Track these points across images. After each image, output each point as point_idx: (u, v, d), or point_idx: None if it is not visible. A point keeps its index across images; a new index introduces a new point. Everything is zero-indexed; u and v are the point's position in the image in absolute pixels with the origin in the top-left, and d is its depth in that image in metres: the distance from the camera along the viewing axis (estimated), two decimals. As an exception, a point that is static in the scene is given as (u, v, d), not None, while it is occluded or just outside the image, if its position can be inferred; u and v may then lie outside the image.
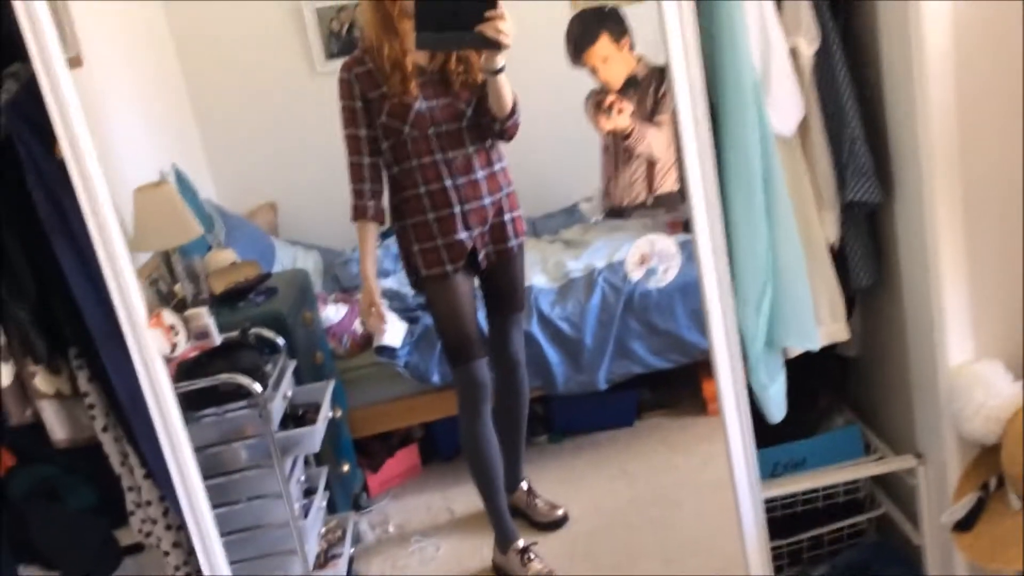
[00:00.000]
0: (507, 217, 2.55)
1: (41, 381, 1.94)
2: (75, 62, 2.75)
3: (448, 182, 2.43)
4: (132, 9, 3.60)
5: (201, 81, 3.97)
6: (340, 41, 4.02)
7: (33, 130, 1.78)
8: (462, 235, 2.48)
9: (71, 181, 1.76)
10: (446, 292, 2.54)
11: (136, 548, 2.19)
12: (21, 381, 1.94)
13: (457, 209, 2.46)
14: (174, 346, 1.87)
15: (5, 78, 1.92)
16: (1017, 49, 1.81)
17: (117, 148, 3.02)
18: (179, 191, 3.15)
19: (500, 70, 2.29)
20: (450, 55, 2.38)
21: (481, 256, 2.53)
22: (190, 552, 2.12)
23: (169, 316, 1.85)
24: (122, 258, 1.77)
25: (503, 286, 2.65)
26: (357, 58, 2.44)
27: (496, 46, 2.13)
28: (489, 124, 2.43)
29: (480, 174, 2.46)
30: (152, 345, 1.79)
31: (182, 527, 2.03)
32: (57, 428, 1.98)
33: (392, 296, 3.41)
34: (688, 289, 3.17)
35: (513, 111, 2.39)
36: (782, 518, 2.24)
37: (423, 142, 2.41)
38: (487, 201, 2.48)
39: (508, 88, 2.34)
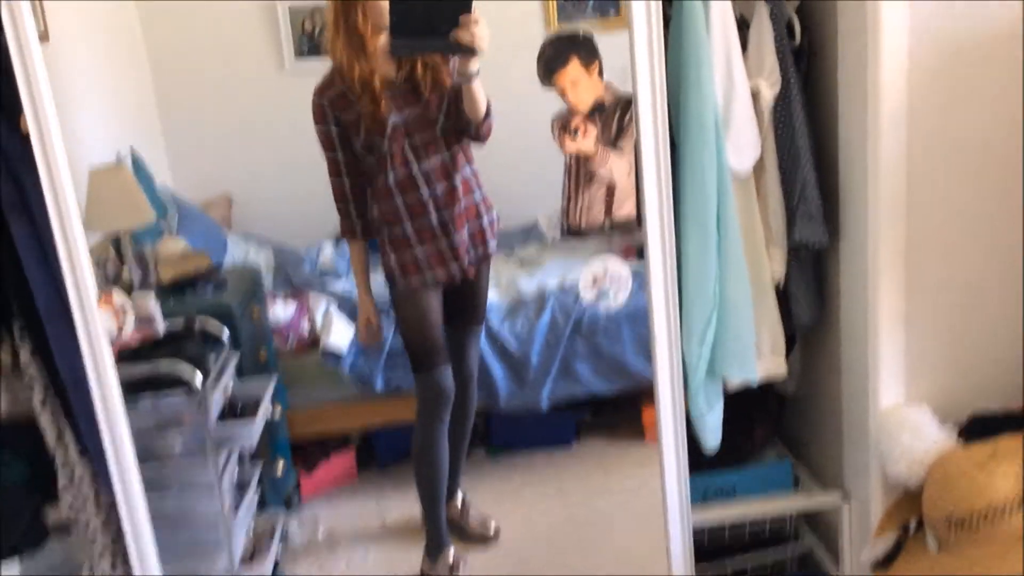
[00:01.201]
0: (485, 220, 2.57)
1: (-19, 353, 1.92)
2: (42, 37, 2.71)
3: (426, 190, 2.45)
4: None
5: (166, 67, 3.92)
6: (311, 42, 4.01)
7: (-2, 105, 1.77)
8: (443, 243, 2.50)
9: (32, 158, 1.75)
10: (417, 300, 2.55)
11: (65, 529, 2.16)
12: (-39, 354, 1.92)
13: (435, 217, 2.47)
14: (121, 328, 1.86)
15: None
16: (968, 109, 1.90)
17: (76, 127, 2.98)
18: (135, 175, 3.12)
19: (474, 75, 2.31)
20: (416, 63, 2.39)
21: (465, 263, 2.54)
22: (117, 536, 2.10)
23: (118, 297, 1.84)
24: (78, 237, 1.76)
25: (468, 298, 2.68)
26: (328, 82, 2.44)
27: (471, 51, 2.16)
28: (464, 127, 2.44)
29: (456, 179, 2.48)
30: (100, 324, 1.78)
31: (112, 508, 2.02)
32: (-6, 401, 1.95)
33: (342, 299, 3.40)
34: (636, 316, 3.20)
35: (487, 115, 2.41)
36: (709, 544, 2.29)
37: (399, 155, 2.42)
38: (463, 205, 2.50)
39: (482, 92, 2.35)
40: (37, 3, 2.67)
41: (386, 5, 2.24)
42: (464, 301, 2.68)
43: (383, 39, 2.33)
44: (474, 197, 2.55)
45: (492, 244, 2.61)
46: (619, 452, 3.37)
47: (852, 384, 2.12)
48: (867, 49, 1.90)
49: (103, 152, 3.11)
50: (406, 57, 2.33)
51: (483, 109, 2.38)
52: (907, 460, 1.88)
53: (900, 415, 1.95)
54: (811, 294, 2.15)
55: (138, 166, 3.34)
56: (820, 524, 2.34)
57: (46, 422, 1.99)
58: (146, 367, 2.29)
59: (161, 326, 2.46)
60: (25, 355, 1.97)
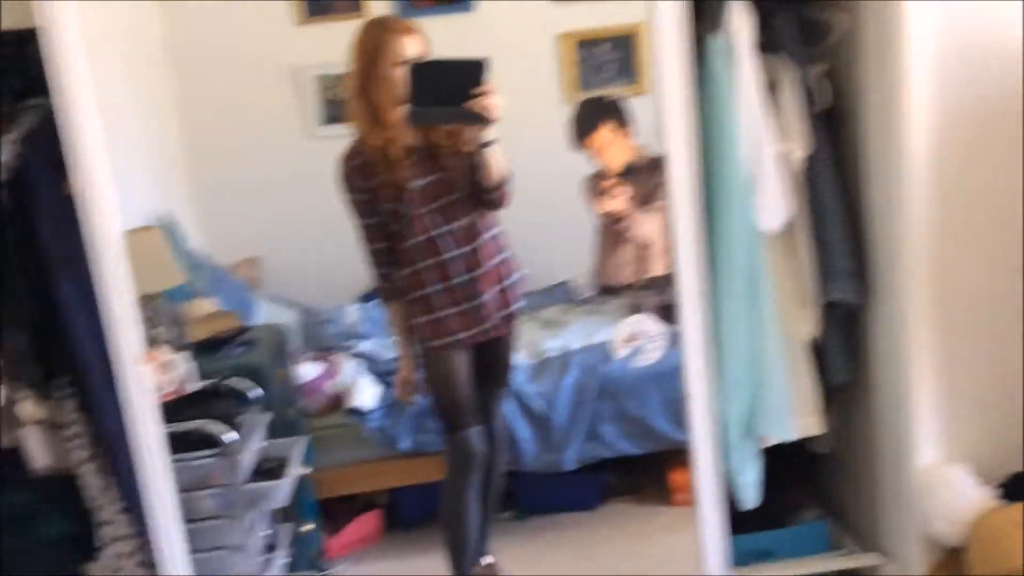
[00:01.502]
0: (510, 281, 2.60)
1: (28, 406, 1.93)
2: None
3: (450, 254, 2.48)
4: (134, 53, 3.65)
5: (198, 132, 4.02)
6: (338, 108, 4.10)
7: (47, 163, 1.82)
8: (465, 305, 2.52)
9: (78, 215, 1.79)
10: (447, 361, 2.56)
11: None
12: (10, 405, 1.93)
13: (461, 279, 2.49)
14: (163, 384, 1.88)
15: (26, 111, 1.96)
16: (996, 165, 1.92)
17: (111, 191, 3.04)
18: (168, 238, 3.17)
19: (489, 143, 2.36)
20: (436, 130, 2.45)
21: (489, 325, 2.56)
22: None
23: (162, 354, 1.87)
24: (125, 293, 1.79)
25: (494, 360, 2.68)
26: (351, 151, 2.50)
27: (484, 121, 2.22)
28: (480, 193, 2.49)
29: (480, 241, 2.51)
30: (145, 381, 1.80)
31: (153, 564, 2.01)
32: (38, 455, 1.95)
33: (367, 359, 3.42)
34: (662, 377, 3.19)
35: (504, 182, 2.45)
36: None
37: (421, 219, 2.46)
38: (488, 267, 2.53)
39: (498, 159, 2.40)
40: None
41: (403, 77, 2.33)
42: (491, 362, 2.69)
43: (401, 109, 2.39)
44: (499, 259, 2.57)
45: (518, 305, 2.63)
46: (645, 515, 3.34)
47: (889, 443, 2.11)
48: (893, 112, 1.94)
49: (135, 215, 3.17)
50: (422, 125, 2.40)
51: (496, 175, 2.42)
52: (948, 519, 1.86)
53: (939, 473, 1.94)
54: (845, 352, 2.16)
55: (170, 229, 3.40)
56: (860, 587, 2.31)
57: (89, 478, 2.00)
58: (178, 427, 2.29)
59: (193, 386, 2.49)
60: (69, 411, 1.99)
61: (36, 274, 1.88)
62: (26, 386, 1.92)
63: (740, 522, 2.14)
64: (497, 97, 2.19)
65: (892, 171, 1.97)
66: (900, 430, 2.02)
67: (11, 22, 1.86)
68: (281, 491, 2.54)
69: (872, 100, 2.05)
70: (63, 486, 2.04)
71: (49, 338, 1.94)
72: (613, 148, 2.65)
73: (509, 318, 2.62)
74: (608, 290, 2.56)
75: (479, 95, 2.17)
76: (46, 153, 1.81)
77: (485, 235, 2.53)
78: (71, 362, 1.91)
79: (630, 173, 2.53)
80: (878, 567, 2.16)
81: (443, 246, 2.47)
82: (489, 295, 2.54)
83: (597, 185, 2.75)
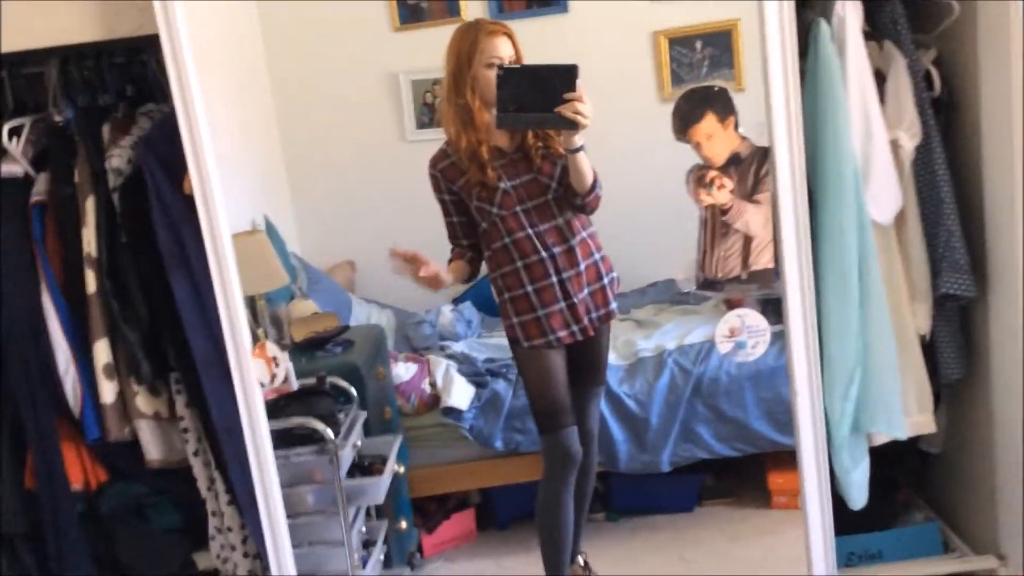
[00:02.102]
0: (606, 280, 2.59)
1: (142, 401, 2.00)
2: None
3: (544, 253, 2.49)
4: (235, 62, 3.75)
5: (296, 137, 4.11)
6: (432, 113, 4.15)
7: (162, 165, 1.88)
8: (562, 304, 2.52)
9: (193, 215, 1.85)
10: (542, 360, 2.56)
11: (213, 573, 2.21)
12: (123, 400, 2.01)
13: (555, 279, 2.50)
14: (273, 377, 1.93)
15: (140, 116, 2.04)
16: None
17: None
18: (270, 240, 3.25)
19: (579, 149, 2.36)
20: (527, 133, 2.47)
21: (586, 323, 2.56)
22: (265, 582, 2.15)
23: (272, 347, 1.91)
24: (236, 289, 1.84)
25: (589, 358, 2.67)
26: (441, 153, 2.53)
27: (573, 126, 2.22)
28: (571, 198, 2.50)
29: (574, 241, 2.51)
30: (254, 374, 1.85)
31: (259, 556, 2.06)
32: (152, 448, 2.03)
33: (461, 360, 3.44)
34: (759, 378, 3.15)
35: (593, 186, 2.46)
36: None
37: (513, 219, 2.48)
38: (582, 267, 2.53)
39: (587, 165, 2.41)
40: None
41: (494, 80, 2.34)
42: (585, 362, 2.68)
43: (493, 112, 2.41)
44: (594, 259, 2.57)
45: (613, 305, 2.62)
46: (743, 518, 3.28)
47: (1006, 441, 2.03)
48: (1011, 100, 1.87)
49: (237, 220, 3.25)
50: (510, 130, 2.41)
51: (588, 181, 2.42)
52: (1071, 521, 1.78)
53: (1061, 474, 1.86)
54: (958, 348, 2.09)
55: (271, 232, 3.49)
56: (972, 591, 2.22)
57: (199, 471, 2.06)
58: (280, 424, 2.35)
59: (294, 384, 2.54)
60: (180, 406, 2.05)
61: (149, 273, 1.95)
62: (140, 381, 1.99)
63: (848, 522, 2.08)
64: (587, 103, 2.19)
65: (1008, 160, 1.90)
66: (1017, 428, 1.94)
67: (125, 31, 1.93)
68: (378, 488, 2.58)
69: (987, 87, 1.98)
70: (175, 478, 2.11)
71: (162, 334, 2.00)
72: (717, 138, 2.60)
73: (605, 317, 2.61)
74: (711, 284, 2.51)
75: (569, 100, 2.17)
76: (160, 157, 1.88)
77: (579, 235, 2.53)
78: (183, 358, 1.97)
79: (734, 164, 2.48)
80: (993, 570, 2.08)
81: (537, 245, 2.48)
82: (584, 294, 2.53)
83: (701, 177, 2.71)
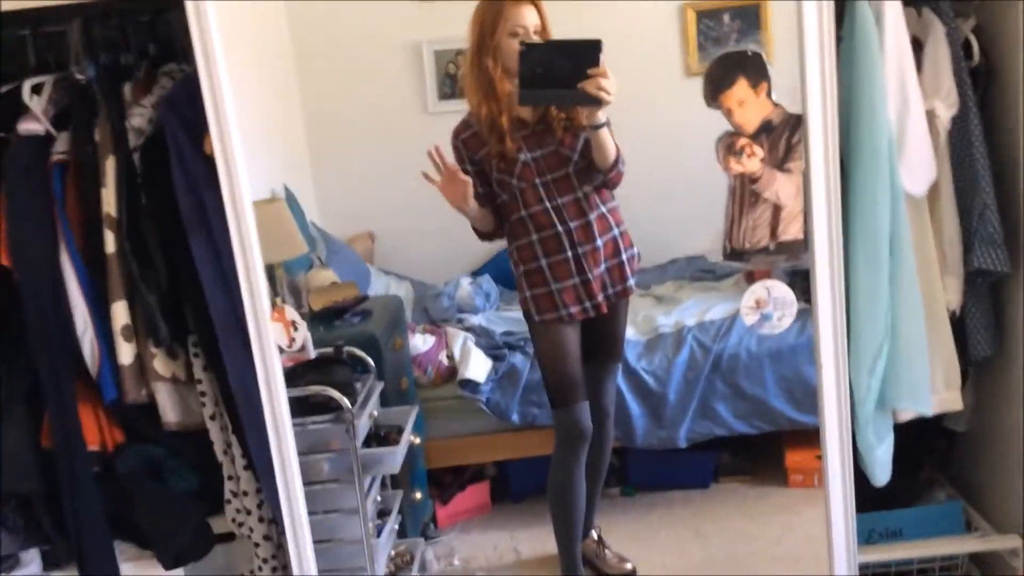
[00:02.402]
0: (624, 256, 2.56)
1: (160, 364, 1.99)
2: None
3: (560, 227, 2.46)
4: (257, 32, 3.73)
5: (317, 107, 4.09)
6: (454, 84, 4.11)
7: (184, 126, 1.86)
8: (576, 279, 2.50)
9: (214, 177, 1.83)
10: (555, 335, 2.54)
11: (228, 536, 2.21)
12: (141, 362, 1.99)
13: (570, 253, 2.48)
14: (292, 341, 1.91)
15: (161, 75, 2.01)
16: None
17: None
18: (290, 209, 3.23)
19: (602, 125, 2.32)
20: (550, 105, 2.43)
21: (600, 299, 2.53)
22: (278, 547, 2.14)
23: (290, 312, 1.90)
24: (255, 253, 1.82)
25: (606, 333, 2.64)
26: (464, 123, 2.51)
27: (597, 103, 2.19)
28: (593, 174, 2.47)
29: (592, 216, 2.48)
30: (272, 337, 1.83)
31: (274, 520, 2.05)
32: (169, 410, 2.02)
33: (479, 332, 3.43)
34: (779, 355, 3.12)
35: (616, 163, 2.42)
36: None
37: (531, 191, 2.45)
38: (599, 242, 2.50)
39: (610, 141, 2.37)
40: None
41: (517, 49, 2.31)
42: (602, 337, 2.66)
43: (516, 83, 2.39)
44: (612, 234, 2.54)
45: (631, 281, 2.59)
46: (759, 496, 3.27)
47: (1034, 421, 1.99)
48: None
49: (257, 188, 3.23)
50: (532, 105, 2.38)
51: (611, 158, 2.39)
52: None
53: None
54: (989, 325, 2.05)
55: (291, 201, 3.47)
56: (996, 571, 2.19)
57: (215, 434, 2.05)
58: (297, 391, 2.34)
59: (312, 352, 2.53)
60: (198, 369, 2.04)
61: (170, 235, 1.93)
62: (157, 344, 1.98)
63: (871, 500, 2.06)
64: (611, 78, 2.15)
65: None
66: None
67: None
68: (394, 458, 2.57)
69: (1025, 57, 1.93)
70: (192, 441, 2.10)
71: (180, 297, 1.99)
72: (749, 105, 2.56)
73: (621, 293, 2.58)
74: (738, 254, 2.48)
75: (593, 76, 2.13)
76: (182, 117, 1.85)
77: (598, 210, 2.50)
78: (201, 321, 1.95)
79: (766, 132, 2.44)
80: (1016, 550, 2.05)
81: (554, 219, 2.46)
82: (600, 270, 2.51)
83: (731, 144, 2.67)
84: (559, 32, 2.40)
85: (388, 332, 2.99)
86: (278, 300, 2.91)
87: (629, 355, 3.23)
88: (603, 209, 2.52)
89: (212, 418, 2.04)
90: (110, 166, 1.89)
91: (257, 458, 1.95)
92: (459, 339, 3.36)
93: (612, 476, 3.33)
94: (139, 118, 1.93)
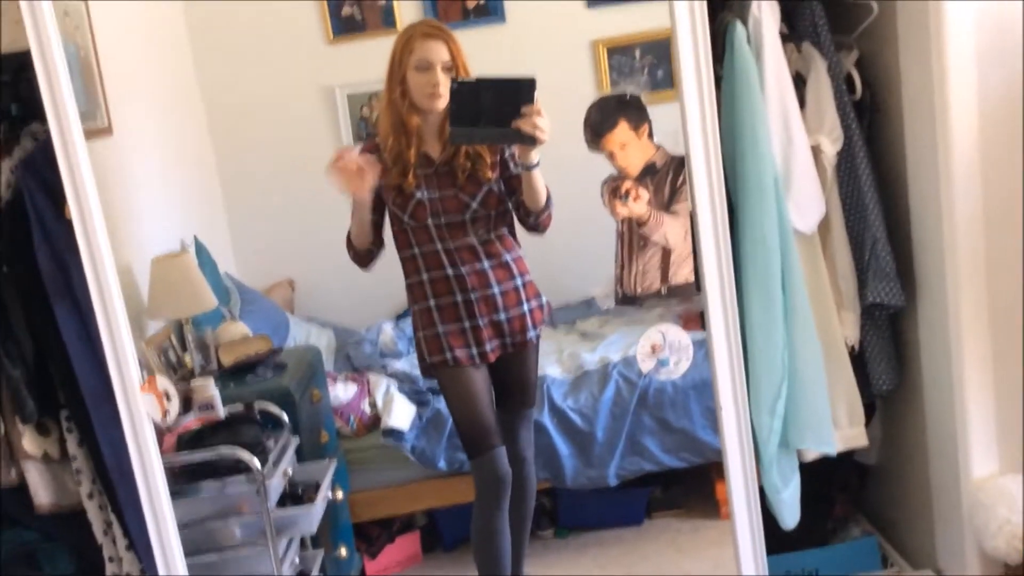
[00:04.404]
0: (526, 307, 2.51)
1: (28, 442, 1.90)
2: (105, 131, 2.79)
3: (450, 271, 2.42)
4: (165, 81, 3.67)
5: (230, 156, 4.03)
6: (369, 126, 4.07)
7: (44, 190, 1.79)
8: (465, 324, 2.45)
9: (76, 243, 1.75)
10: (454, 381, 2.49)
11: (113, 623, 2.11)
12: (8, 441, 1.90)
13: (459, 298, 2.43)
14: (166, 412, 1.83)
15: (23, 136, 1.93)
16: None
17: (141, 215, 3.04)
18: (199, 262, 3.15)
19: (534, 165, 2.29)
20: (459, 149, 2.39)
21: (491, 346, 2.48)
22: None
23: (162, 382, 1.81)
24: (120, 321, 1.75)
25: (514, 380, 2.59)
26: (372, 147, 2.47)
27: (532, 141, 2.14)
28: (524, 217, 2.43)
29: (487, 264, 2.44)
30: (143, 409, 1.75)
31: (162, 603, 1.96)
32: (41, 492, 1.92)
33: (403, 378, 3.37)
34: (703, 387, 3.09)
35: (547, 205, 2.39)
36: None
37: (423, 231, 2.42)
38: (496, 290, 2.45)
39: (542, 183, 2.34)
40: (101, 98, 2.77)
41: (424, 84, 2.27)
42: (510, 384, 2.60)
43: (428, 118, 2.35)
44: (514, 283, 2.49)
45: (532, 333, 2.53)
46: (692, 529, 3.24)
47: (940, 454, 1.97)
48: (934, 102, 1.82)
49: (168, 240, 3.16)
50: (464, 145, 2.33)
51: (543, 199, 2.36)
52: (1006, 534, 1.73)
53: (995, 486, 1.80)
54: (889, 358, 2.03)
55: (201, 253, 3.38)
56: (912, 606, 2.17)
57: (93, 514, 1.96)
58: (203, 454, 2.26)
59: (221, 411, 2.45)
60: (72, 445, 1.95)
61: (34, 304, 1.84)
62: (24, 420, 1.89)
63: (784, 539, 2.02)
64: (545, 117, 2.10)
65: (933, 164, 1.84)
66: (951, 439, 1.89)
67: (8, 43, 1.83)
68: (310, 517, 2.49)
69: (908, 88, 1.93)
70: (69, 523, 2.00)
71: (49, 369, 1.90)
72: (631, 148, 2.55)
73: (520, 345, 2.52)
74: (630, 300, 2.45)
75: (527, 115, 2.09)
76: (43, 180, 1.78)
77: (498, 258, 2.46)
78: (71, 394, 1.87)
79: (650, 174, 2.42)
80: (933, 586, 2.02)
81: (444, 261, 2.42)
82: (496, 318, 2.46)
83: (616, 188, 2.65)
84: (472, 67, 2.36)
85: (304, 384, 2.91)
86: (188, 358, 2.84)
87: (555, 394, 3.19)
88: (506, 258, 2.48)
89: (90, 497, 1.95)
90: (-33, 233, 1.81)
91: (139, 538, 1.86)
92: (382, 386, 3.30)
93: (544, 518, 3.29)
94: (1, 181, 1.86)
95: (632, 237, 2.42)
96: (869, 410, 2.09)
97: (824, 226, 1.98)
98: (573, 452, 3.15)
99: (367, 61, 3.73)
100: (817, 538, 2.15)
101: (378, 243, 2.48)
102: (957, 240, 1.81)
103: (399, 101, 2.36)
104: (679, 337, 1.93)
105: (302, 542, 2.68)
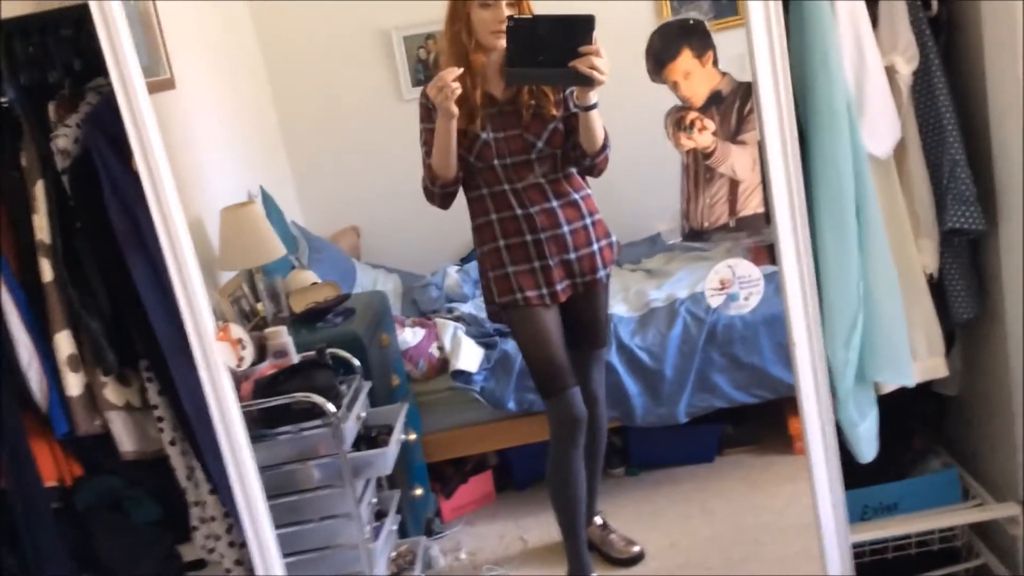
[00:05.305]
0: (595, 247, 2.48)
1: (111, 392, 1.95)
2: (167, 84, 2.81)
3: (519, 211, 2.40)
4: (224, 34, 3.68)
5: (290, 105, 4.04)
6: (427, 69, 4.04)
7: (111, 144, 1.80)
8: (535, 263, 2.43)
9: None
10: (526, 322, 2.48)
11: (199, 564, 2.18)
12: (92, 392, 1.95)
13: (529, 237, 2.41)
14: (241, 360, 1.86)
15: (87, 91, 1.95)
16: None
17: (207, 168, 3.07)
18: (266, 212, 3.19)
19: (593, 106, 2.23)
20: (521, 87, 2.34)
21: (562, 286, 2.46)
22: (253, 570, 2.10)
23: (236, 330, 1.84)
24: (192, 271, 1.77)
25: (585, 320, 2.58)
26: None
27: (589, 83, 2.09)
28: (579, 159, 2.39)
29: (556, 203, 2.41)
30: (219, 358, 1.78)
31: (246, 544, 2.01)
32: (125, 440, 1.98)
33: (469, 321, 3.38)
34: (774, 322, 3.04)
35: (604, 147, 2.35)
36: (871, 565, 2.10)
37: (489, 172, 2.39)
38: (566, 229, 2.42)
39: (599, 124, 2.30)
40: (163, 51, 2.79)
41: (490, 21, 2.22)
42: (582, 324, 2.59)
43: (491, 56, 2.32)
44: (583, 223, 2.46)
45: (601, 273, 2.51)
46: (765, 465, 3.22)
47: (1022, 382, 1.91)
48: (1015, 15, 1.72)
49: (235, 191, 3.19)
50: (521, 86, 2.28)
51: (600, 140, 2.32)
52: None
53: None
54: (969, 286, 1.96)
55: (268, 203, 3.42)
56: (997, 539, 2.12)
57: (176, 460, 2.01)
58: (279, 400, 2.30)
59: (295, 357, 2.49)
60: (153, 394, 2.00)
61: (109, 257, 1.88)
62: (106, 371, 1.93)
63: (862, 474, 1.99)
64: (604, 57, 2.05)
65: (1015, 81, 1.75)
66: (1036, 368, 1.82)
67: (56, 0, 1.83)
68: (385, 459, 2.53)
69: (989, 3, 1.82)
70: (152, 469, 2.06)
71: (126, 321, 1.94)
72: (695, 76, 2.46)
73: (590, 284, 2.50)
74: (697, 235, 2.39)
75: (585, 54, 2.03)
76: (109, 134, 1.79)
77: (566, 197, 2.43)
78: (149, 345, 1.91)
79: (716, 103, 2.34)
80: (1015, 517, 1.97)
81: (513, 202, 2.39)
82: (565, 257, 2.44)
83: (680, 119, 2.57)
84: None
85: (373, 329, 2.95)
86: (260, 307, 2.89)
87: (622, 332, 3.17)
88: (575, 196, 2.45)
89: (172, 444, 2.00)
90: (39, 191, 1.84)
91: (221, 483, 1.90)
92: (449, 330, 3.31)
93: (615, 457, 3.30)
94: (64, 139, 1.88)
95: (698, 169, 2.35)
96: (949, 339, 2.03)
97: (900, 150, 1.91)
98: (642, 390, 3.14)
99: (420, 3, 3.69)
100: (896, 471, 2.11)
101: (461, 174, 2.41)
102: (1041, 160, 1.73)
103: (464, 39, 2.31)
104: (749, 271, 1.89)
105: (379, 482, 2.73)
